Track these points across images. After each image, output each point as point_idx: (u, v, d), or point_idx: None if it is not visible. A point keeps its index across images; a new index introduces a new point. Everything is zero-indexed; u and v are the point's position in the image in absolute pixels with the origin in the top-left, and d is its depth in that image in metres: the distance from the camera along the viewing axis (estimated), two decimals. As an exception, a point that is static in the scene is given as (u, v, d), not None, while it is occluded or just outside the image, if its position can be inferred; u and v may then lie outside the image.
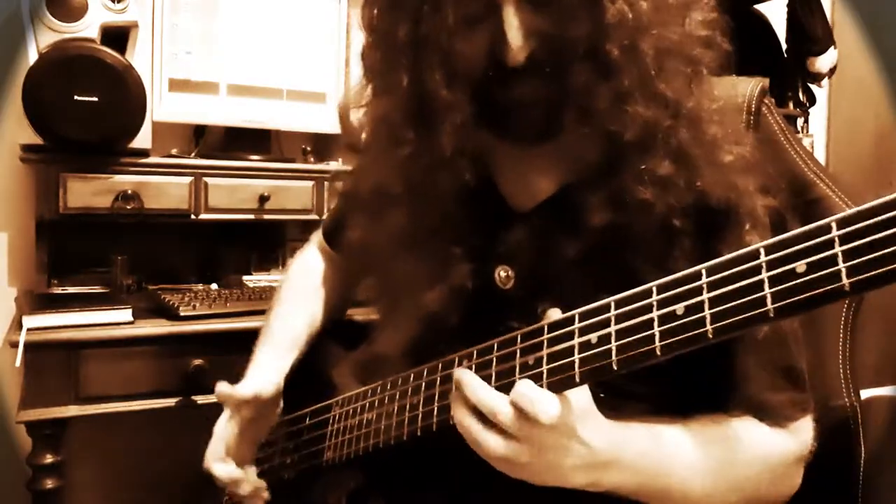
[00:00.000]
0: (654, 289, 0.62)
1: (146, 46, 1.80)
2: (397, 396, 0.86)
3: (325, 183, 2.00)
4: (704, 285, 0.59)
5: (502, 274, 0.84)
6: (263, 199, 1.93)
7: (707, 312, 0.58)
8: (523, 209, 0.87)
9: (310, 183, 2.01)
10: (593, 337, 0.65)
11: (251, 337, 1.14)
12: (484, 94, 0.78)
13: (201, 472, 1.04)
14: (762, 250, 0.56)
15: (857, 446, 0.93)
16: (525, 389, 0.66)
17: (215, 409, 1.05)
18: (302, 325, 1.14)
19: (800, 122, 2.72)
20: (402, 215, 0.85)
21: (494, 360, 0.74)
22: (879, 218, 0.49)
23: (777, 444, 0.80)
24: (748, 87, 0.89)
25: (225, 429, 1.03)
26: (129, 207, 1.76)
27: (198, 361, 1.55)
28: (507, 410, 0.67)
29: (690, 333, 0.59)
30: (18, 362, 1.41)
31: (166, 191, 1.83)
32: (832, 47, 2.59)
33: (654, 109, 0.75)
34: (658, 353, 0.60)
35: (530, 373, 0.69)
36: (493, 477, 0.70)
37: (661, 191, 0.76)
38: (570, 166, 0.84)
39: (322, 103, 2.09)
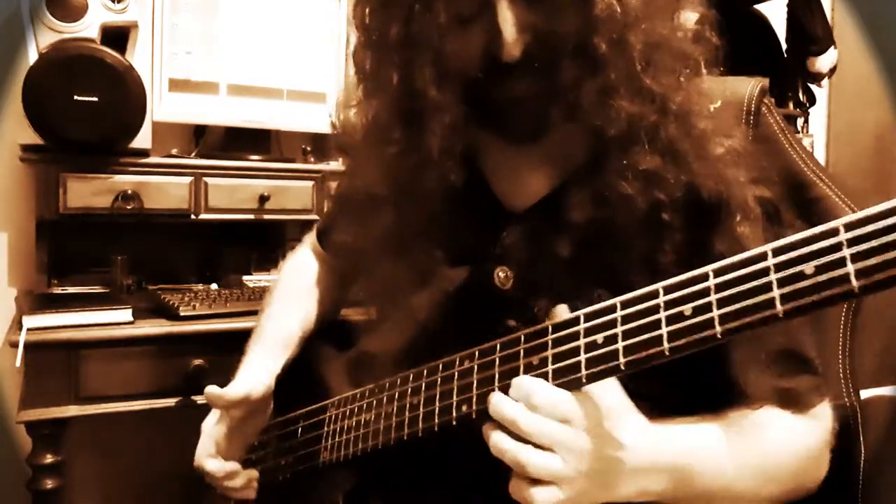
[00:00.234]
0: (661, 290, 0.63)
1: (146, 46, 1.80)
2: (396, 397, 0.86)
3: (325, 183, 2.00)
4: (712, 286, 0.59)
5: (501, 275, 0.84)
6: (263, 199, 1.93)
7: (716, 313, 0.58)
8: (517, 209, 0.87)
9: (310, 183, 2.00)
10: (599, 337, 0.65)
11: (251, 337, 1.13)
12: (478, 93, 0.78)
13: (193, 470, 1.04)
14: (770, 252, 0.56)
15: (857, 446, 0.92)
16: (527, 384, 0.67)
17: (214, 410, 1.05)
18: (294, 325, 1.13)
19: (800, 122, 2.73)
20: (390, 216, 0.85)
21: (497, 360, 0.74)
22: (889, 221, 0.50)
23: (804, 431, 0.80)
24: (748, 87, 0.89)
25: (214, 427, 1.03)
26: (129, 207, 1.76)
27: (197, 361, 1.55)
28: (529, 417, 0.67)
29: (700, 335, 0.59)
30: (18, 362, 1.40)
31: (166, 191, 1.83)
32: (832, 47, 2.59)
33: (640, 104, 0.75)
34: (667, 353, 0.61)
35: (536, 373, 0.69)
36: (493, 478, 0.70)
37: (645, 185, 0.76)
38: (563, 165, 0.84)
39: (322, 103, 2.09)
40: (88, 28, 1.68)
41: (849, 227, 0.52)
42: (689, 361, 0.63)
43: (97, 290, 1.83)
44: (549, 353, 0.69)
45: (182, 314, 1.56)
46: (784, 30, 2.66)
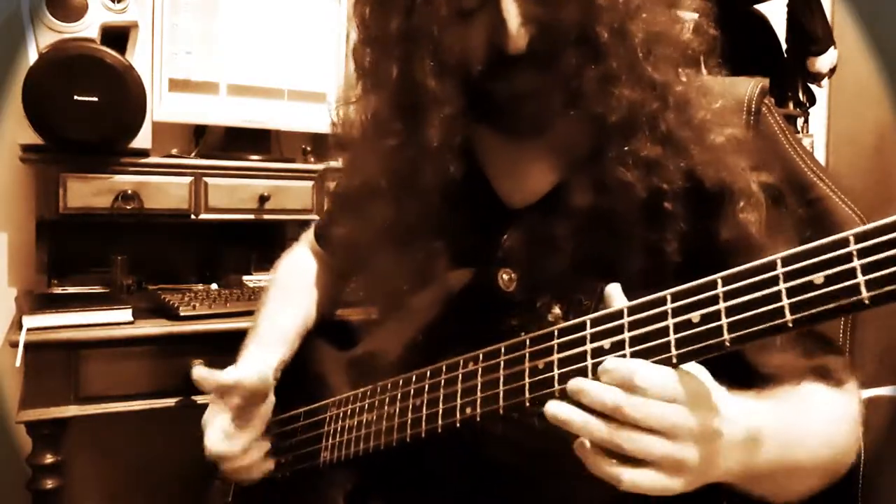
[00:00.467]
0: (669, 297, 0.63)
1: (146, 46, 1.80)
2: (399, 398, 0.85)
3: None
4: (721, 294, 0.59)
5: (505, 277, 0.83)
6: (263, 199, 1.93)
7: (724, 321, 0.58)
8: (518, 207, 0.87)
9: (310, 183, 2.00)
10: (606, 343, 0.65)
11: (247, 335, 1.12)
12: (480, 87, 0.78)
13: (202, 469, 1.03)
14: (779, 261, 0.56)
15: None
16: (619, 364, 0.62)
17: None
18: (290, 323, 1.12)
19: (800, 122, 2.73)
20: (388, 211, 0.85)
21: (502, 363, 0.73)
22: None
23: (844, 401, 0.79)
24: (748, 87, 0.89)
25: (216, 418, 1.00)
26: (129, 207, 1.75)
27: (198, 361, 1.53)
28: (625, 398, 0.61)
29: (707, 342, 0.59)
30: (18, 362, 1.40)
31: (166, 191, 1.82)
32: (832, 47, 2.59)
33: (641, 92, 0.76)
34: (674, 360, 0.61)
35: (541, 377, 0.69)
36: (495, 479, 0.70)
37: (646, 172, 0.76)
38: (564, 161, 0.84)
39: (322, 103, 2.08)
40: (88, 28, 1.68)
41: (859, 237, 0.52)
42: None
43: (97, 290, 1.83)
44: (555, 357, 0.69)
45: (182, 314, 1.56)
46: (784, 30, 2.66)
